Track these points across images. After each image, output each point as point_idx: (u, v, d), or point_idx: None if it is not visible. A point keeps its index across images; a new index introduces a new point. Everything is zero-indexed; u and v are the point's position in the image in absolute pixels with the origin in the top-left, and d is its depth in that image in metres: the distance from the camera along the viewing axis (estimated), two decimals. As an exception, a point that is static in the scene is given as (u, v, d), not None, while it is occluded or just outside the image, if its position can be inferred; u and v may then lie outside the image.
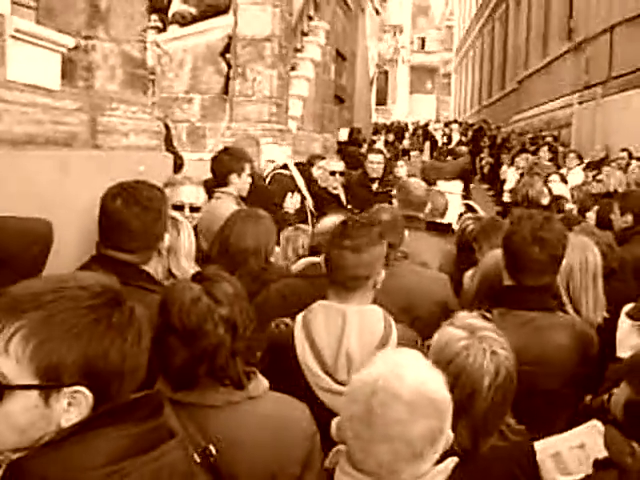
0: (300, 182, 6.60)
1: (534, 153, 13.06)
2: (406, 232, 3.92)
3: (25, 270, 2.33)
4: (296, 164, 6.97)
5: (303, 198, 6.39)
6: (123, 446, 1.36)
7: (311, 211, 6.64)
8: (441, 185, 8.66)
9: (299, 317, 2.62)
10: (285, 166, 6.67)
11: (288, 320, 2.69)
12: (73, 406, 1.36)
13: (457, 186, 9.31)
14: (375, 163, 8.00)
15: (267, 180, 6.40)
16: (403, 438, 1.53)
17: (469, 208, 6.39)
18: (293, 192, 6.08)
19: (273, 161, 6.68)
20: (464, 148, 15.62)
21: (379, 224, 2.76)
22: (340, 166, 7.55)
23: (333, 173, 7.30)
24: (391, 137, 22.35)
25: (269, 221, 3.71)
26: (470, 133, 24.06)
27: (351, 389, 1.64)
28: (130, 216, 2.73)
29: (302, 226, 4.31)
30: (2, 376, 1.32)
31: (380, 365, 1.63)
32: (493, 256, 3.27)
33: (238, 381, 2.01)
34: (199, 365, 1.96)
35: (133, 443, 1.38)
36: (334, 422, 1.68)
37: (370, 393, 1.56)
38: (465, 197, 8.75)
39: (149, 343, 1.49)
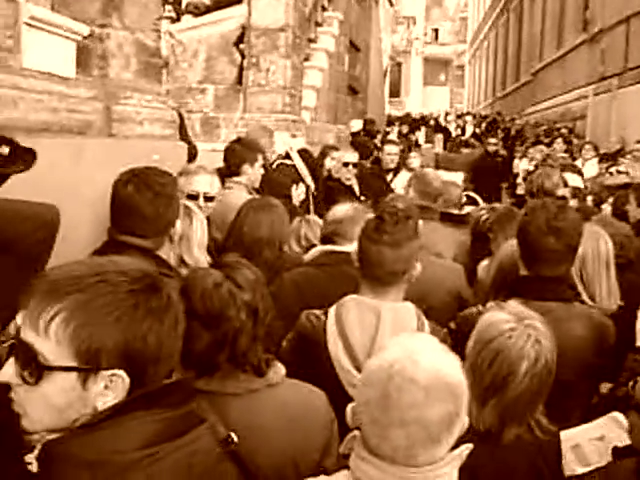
0: (303, 171, 6.56)
1: (549, 145, 12.97)
2: (420, 222, 3.91)
3: (28, 256, 2.33)
4: (299, 151, 6.90)
5: (307, 187, 6.36)
6: (157, 430, 1.39)
7: (315, 198, 6.60)
8: (442, 175, 8.60)
9: (331, 311, 2.60)
10: (287, 155, 6.63)
11: (318, 312, 2.67)
12: (110, 389, 1.37)
13: (458, 177, 9.22)
14: (392, 154, 8.03)
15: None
16: (419, 422, 1.52)
17: (470, 199, 6.35)
18: (297, 183, 6.05)
19: (274, 151, 6.66)
20: (493, 140, 14.46)
21: (413, 217, 2.74)
22: (354, 157, 7.51)
23: (346, 164, 7.26)
24: (405, 129, 22.22)
25: (282, 209, 3.70)
26: (484, 125, 23.95)
27: (367, 374, 1.63)
28: (142, 201, 2.74)
29: (307, 217, 4.31)
30: (42, 357, 1.34)
31: (396, 350, 1.62)
32: (509, 246, 3.25)
33: (258, 367, 2.01)
34: (221, 350, 1.96)
35: (167, 427, 1.40)
36: (349, 408, 1.68)
37: (386, 378, 1.55)
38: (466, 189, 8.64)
39: (184, 329, 1.49)
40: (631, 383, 1.91)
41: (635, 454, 1.94)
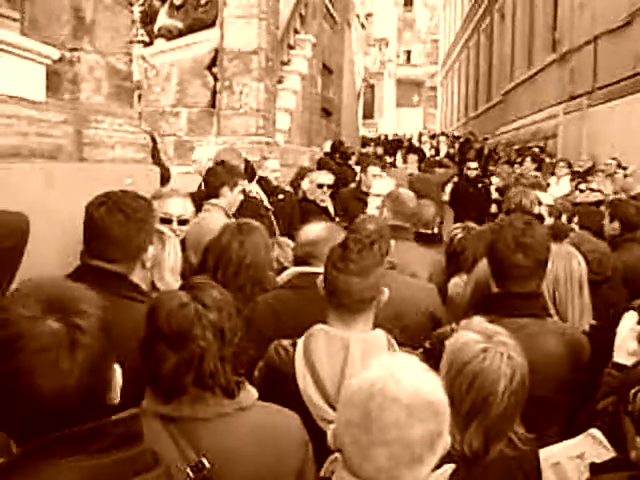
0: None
1: (520, 164, 13.08)
2: (393, 242, 3.91)
3: None
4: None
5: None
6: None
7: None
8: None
9: (300, 343, 2.56)
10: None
11: (286, 343, 2.62)
12: None
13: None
14: (377, 175, 8.06)
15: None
16: (402, 442, 1.50)
17: None
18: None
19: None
20: (473, 164, 12.41)
21: (378, 241, 2.72)
22: (328, 179, 7.50)
23: (321, 186, 7.26)
24: (380, 150, 22.31)
25: (265, 232, 3.67)
26: (457, 145, 24.13)
27: (347, 394, 1.61)
28: (112, 224, 2.68)
29: (279, 239, 4.28)
30: None
31: (377, 369, 1.60)
32: (484, 264, 3.26)
33: (227, 389, 1.97)
34: (188, 371, 1.92)
35: (89, 477, 1.27)
36: (330, 429, 1.65)
37: (367, 397, 1.53)
38: None
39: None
40: (633, 391, 1.92)
41: (616, 469, 1.94)
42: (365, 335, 2.54)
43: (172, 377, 1.93)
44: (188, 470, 1.86)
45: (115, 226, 2.69)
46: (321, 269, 3.09)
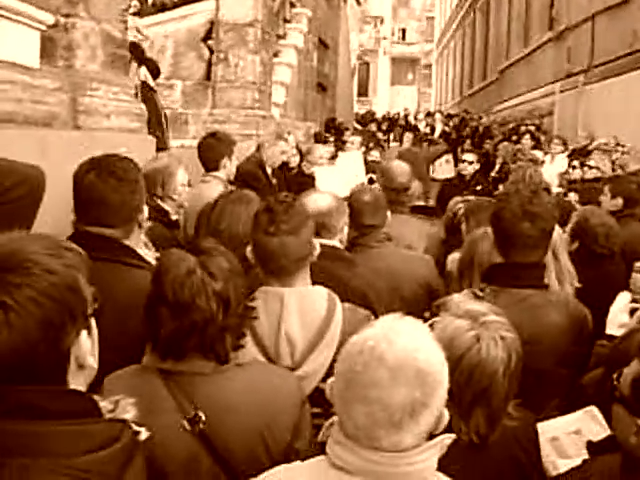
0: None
1: (517, 142, 13.01)
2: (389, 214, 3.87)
3: (10, 209, 2.30)
4: None
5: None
6: None
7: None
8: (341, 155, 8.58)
9: None
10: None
11: None
12: None
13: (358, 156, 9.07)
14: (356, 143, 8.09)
15: None
16: (380, 403, 1.47)
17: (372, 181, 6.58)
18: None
19: None
20: (469, 157, 9.36)
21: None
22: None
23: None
24: (374, 127, 22.20)
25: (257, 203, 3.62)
26: (452, 123, 24.02)
27: (343, 349, 1.60)
28: (106, 189, 2.60)
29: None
30: None
31: (376, 328, 1.57)
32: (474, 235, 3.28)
33: (225, 357, 1.99)
34: (188, 338, 1.92)
35: None
36: (328, 382, 1.63)
37: (357, 353, 1.51)
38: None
39: None
40: (615, 375, 1.88)
41: (612, 449, 1.91)
42: (301, 289, 2.48)
43: (170, 342, 1.94)
44: (185, 422, 1.89)
45: (110, 191, 2.60)
46: (328, 241, 3.02)
